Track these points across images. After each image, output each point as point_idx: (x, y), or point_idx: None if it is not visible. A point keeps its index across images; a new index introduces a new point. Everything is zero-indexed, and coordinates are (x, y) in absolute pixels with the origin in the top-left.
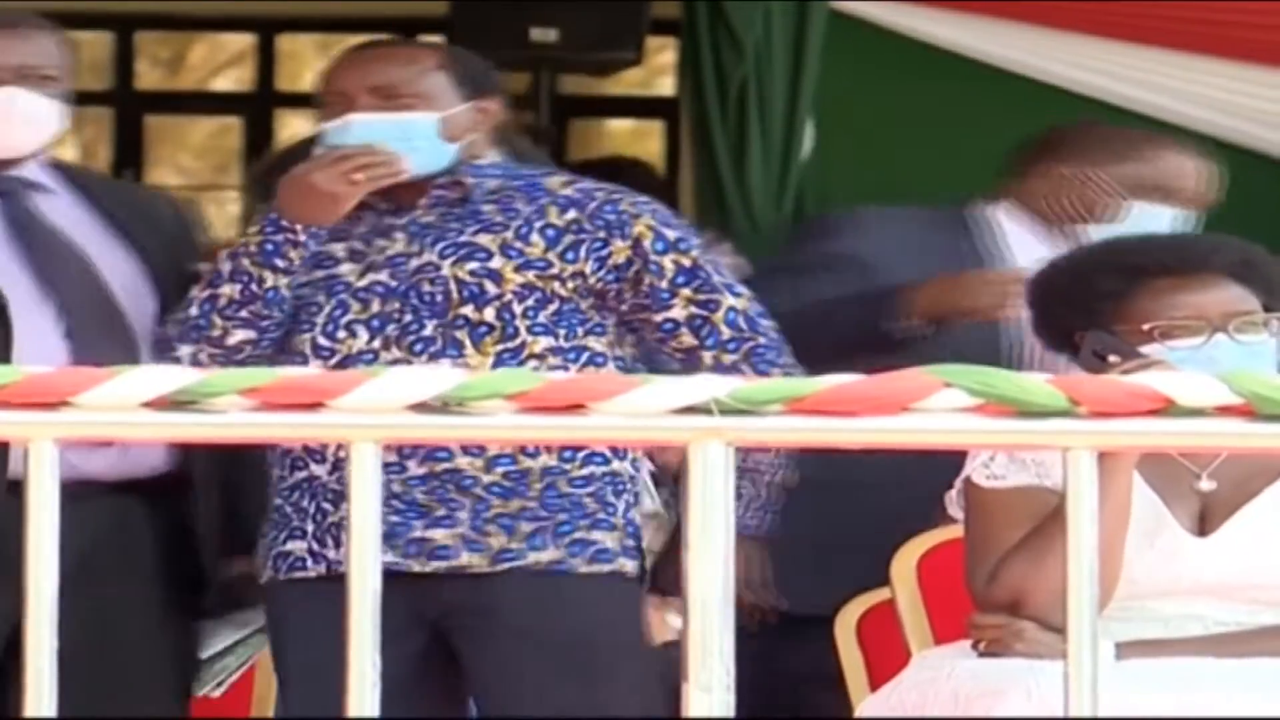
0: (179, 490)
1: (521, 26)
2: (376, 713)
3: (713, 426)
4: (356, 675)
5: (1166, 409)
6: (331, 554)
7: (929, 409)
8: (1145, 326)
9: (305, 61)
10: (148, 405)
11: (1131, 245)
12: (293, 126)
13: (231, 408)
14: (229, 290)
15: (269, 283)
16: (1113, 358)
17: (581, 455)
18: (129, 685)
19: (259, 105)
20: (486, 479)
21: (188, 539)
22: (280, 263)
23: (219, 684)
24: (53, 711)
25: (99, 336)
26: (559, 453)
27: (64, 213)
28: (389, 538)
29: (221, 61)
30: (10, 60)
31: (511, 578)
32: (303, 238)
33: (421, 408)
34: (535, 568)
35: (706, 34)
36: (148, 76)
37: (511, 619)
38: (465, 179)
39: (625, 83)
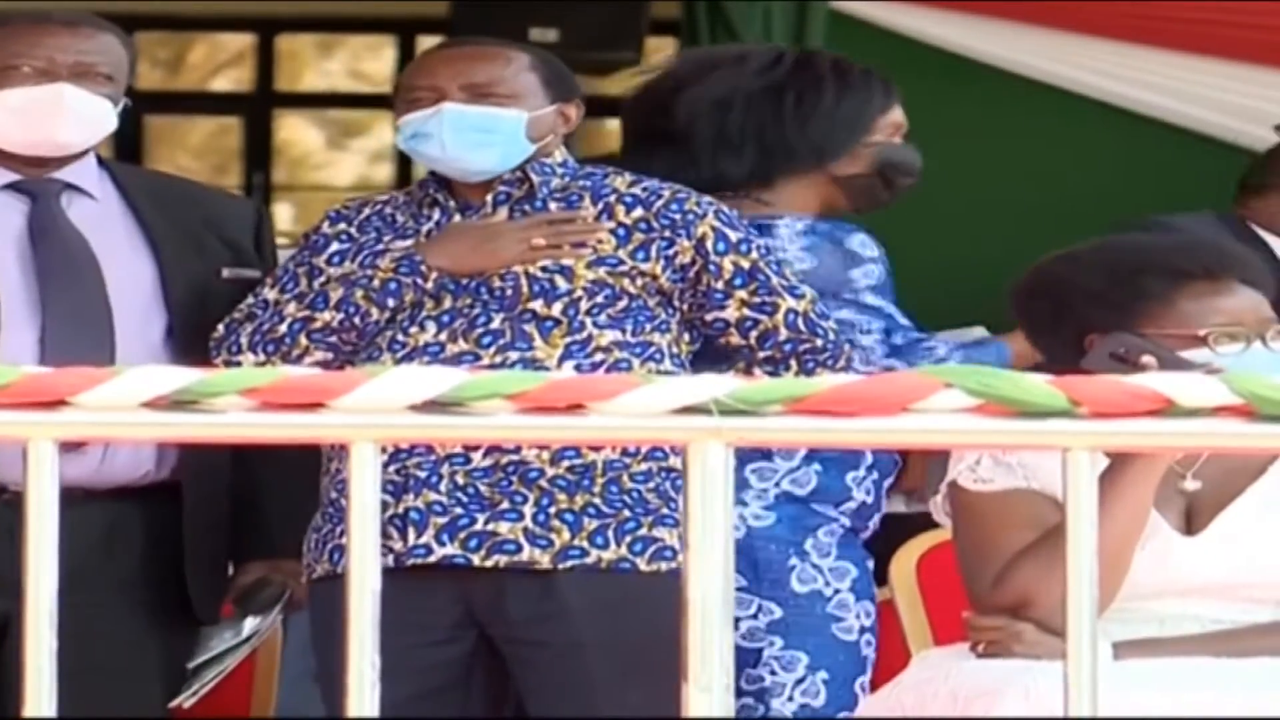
0: (177, 498)
1: (521, 26)
2: (376, 713)
3: (712, 427)
4: (356, 675)
5: (1166, 409)
6: (397, 545)
7: (929, 409)
8: (1200, 332)
9: (305, 61)
10: (147, 405)
11: (1171, 247)
12: (292, 126)
13: (231, 408)
14: (328, 317)
15: (374, 317)
16: (1146, 359)
17: (643, 449)
18: (110, 699)
19: (258, 105)
20: (551, 472)
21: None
22: (393, 302)
23: (194, 694)
24: (53, 711)
25: (73, 344)
26: (620, 446)
27: (94, 218)
28: (450, 530)
29: (221, 61)
30: (65, 57)
31: (573, 576)
32: (430, 285)
33: (422, 408)
34: (598, 566)
35: (706, 34)
36: (147, 76)
37: (573, 619)
38: (531, 176)
39: (625, 83)
